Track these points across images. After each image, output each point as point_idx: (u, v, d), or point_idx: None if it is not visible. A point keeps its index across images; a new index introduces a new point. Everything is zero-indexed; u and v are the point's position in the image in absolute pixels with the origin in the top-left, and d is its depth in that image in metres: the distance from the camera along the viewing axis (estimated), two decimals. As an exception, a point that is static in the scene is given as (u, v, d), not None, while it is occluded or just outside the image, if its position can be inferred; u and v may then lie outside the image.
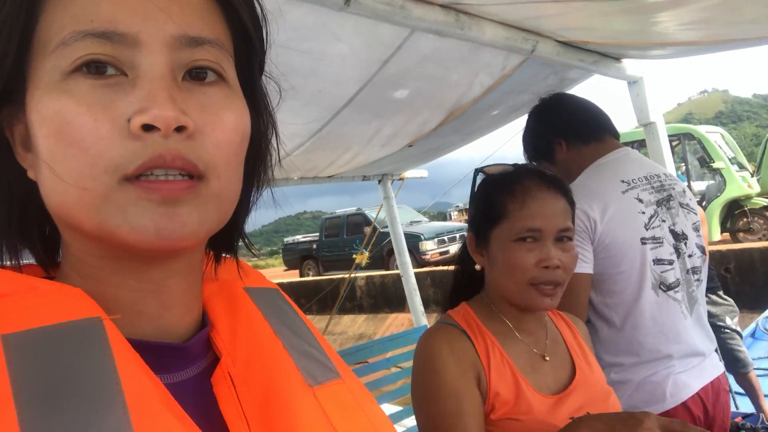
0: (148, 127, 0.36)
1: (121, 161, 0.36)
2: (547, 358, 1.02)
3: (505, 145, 4.63)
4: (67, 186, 0.37)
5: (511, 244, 0.99)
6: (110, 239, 0.38)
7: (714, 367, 1.51)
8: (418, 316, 3.74)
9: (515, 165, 1.11)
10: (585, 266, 1.42)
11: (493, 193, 1.05)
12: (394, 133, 2.55)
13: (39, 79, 0.38)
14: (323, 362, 0.48)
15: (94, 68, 0.37)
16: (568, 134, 1.62)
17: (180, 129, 0.37)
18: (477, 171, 1.12)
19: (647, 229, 1.47)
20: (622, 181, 1.51)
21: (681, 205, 1.57)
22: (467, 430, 0.90)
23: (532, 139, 1.72)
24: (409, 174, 4.06)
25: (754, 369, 2.96)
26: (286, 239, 18.45)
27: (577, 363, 1.03)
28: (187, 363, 0.43)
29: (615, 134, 1.66)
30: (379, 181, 3.91)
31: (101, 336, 0.35)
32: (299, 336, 0.49)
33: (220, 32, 0.42)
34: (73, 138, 0.36)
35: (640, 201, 1.49)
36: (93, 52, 0.37)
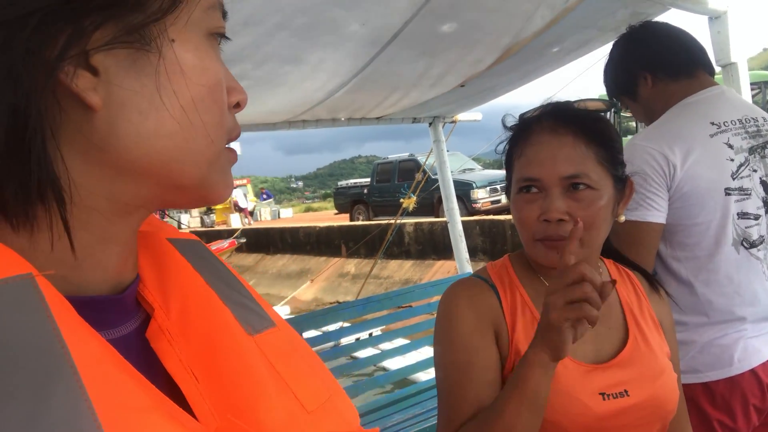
0: (237, 105, 0.44)
1: (230, 127, 0.43)
2: None
3: (567, 86, 4.37)
4: (198, 134, 0.39)
5: (515, 197, 0.93)
6: (200, 191, 0.41)
7: None
8: (462, 263, 3.68)
9: (606, 101, 1.00)
10: (657, 215, 1.32)
11: (508, 142, 0.97)
12: (445, 71, 2.41)
13: (190, 23, 0.39)
14: (258, 312, 0.48)
15: (220, 39, 0.42)
16: (655, 67, 1.46)
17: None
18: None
19: (734, 179, 1.33)
20: (712, 123, 1.35)
21: None
22: (473, 383, 0.87)
23: (614, 71, 1.57)
24: (462, 116, 3.90)
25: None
26: (339, 183, 18.65)
27: (632, 333, 0.93)
28: (125, 317, 0.41)
29: (710, 70, 1.49)
30: (430, 124, 3.78)
31: (36, 294, 0.31)
32: (231, 287, 0.48)
33: None
34: (219, 97, 0.40)
35: (730, 146, 1.34)
36: (224, 25, 0.42)
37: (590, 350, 0.91)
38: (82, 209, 0.37)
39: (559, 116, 0.91)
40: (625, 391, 0.86)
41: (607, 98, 1.68)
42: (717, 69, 2.19)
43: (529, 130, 0.92)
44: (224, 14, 0.42)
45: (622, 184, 0.94)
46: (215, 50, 0.41)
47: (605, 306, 0.94)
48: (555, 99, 1.01)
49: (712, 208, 1.31)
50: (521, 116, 0.97)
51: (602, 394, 0.85)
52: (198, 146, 0.39)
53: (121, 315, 0.41)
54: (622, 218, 0.97)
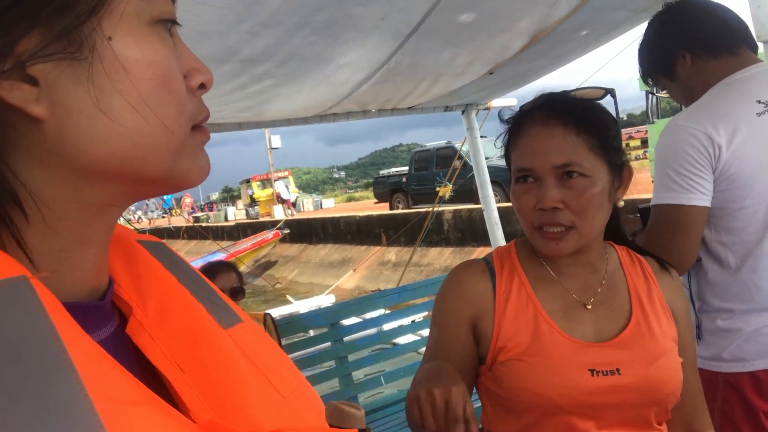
0: (201, 86, 0.42)
1: (194, 111, 0.41)
2: (589, 307, 0.94)
3: (602, 68, 4.24)
4: (154, 129, 0.38)
5: (513, 187, 0.95)
6: (170, 181, 0.41)
7: None
8: (498, 251, 3.66)
9: (606, 89, 1.01)
10: (701, 198, 1.27)
11: (506, 135, 0.99)
12: (471, 60, 2.40)
13: (127, 16, 0.37)
14: (226, 308, 0.49)
15: (169, 24, 0.40)
16: (693, 45, 1.40)
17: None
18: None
19: None
20: (759, 102, 1.29)
21: None
22: (437, 359, 0.94)
23: (650, 51, 1.51)
24: (495, 103, 3.86)
25: None
26: (381, 172, 18.74)
27: (634, 316, 0.94)
28: (103, 322, 0.42)
29: (753, 47, 1.42)
30: (463, 112, 3.76)
31: (32, 296, 0.32)
32: (199, 285, 0.50)
33: None
34: (172, 86, 0.39)
35: None
36: (172, 10, 0.40)
37: (590, 330, 0.93)
38: (51, 217, 0.37)
39: (549, 107, 0.93)
40: (617, 370, 0.88)
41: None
42: (759, 46, 2.10)
43: (522, 122, 0.95)
44: None
45: (619, 170, 0.95)
46: (162, 38, 0.39)
47: (610, 289, 0.96)
48: (591, 81, 1.01)
49: (761, 189, 1.26)
50: (521, 108, 0.99)
51: (591, 370, 0.87)
52: (157, 141, 0.38)
53: (100, 320, 0.42)
54: (621, 203, 0.97)
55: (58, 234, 0.38)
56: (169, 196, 27.72)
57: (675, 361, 0.92)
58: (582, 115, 0.91)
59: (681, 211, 1.28)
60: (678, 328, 0.96)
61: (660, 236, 1.30)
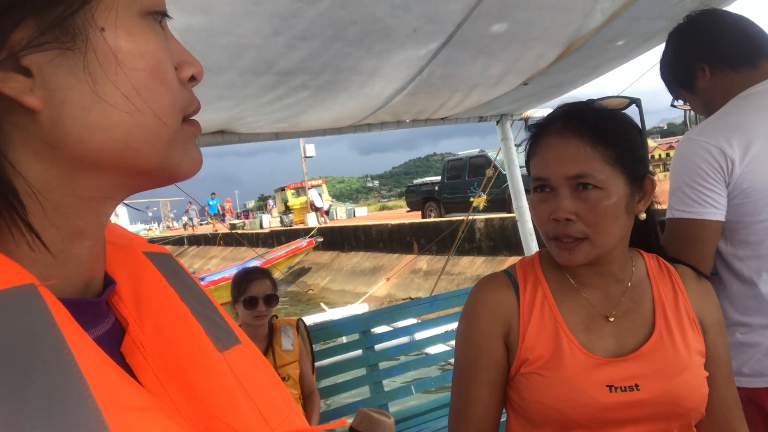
0: (191, 78, 0.42)
1: (185, 103, 0.42)
2: (611, 319, 0.93)
3: (642, 77, 4.16)
4: (147, 119, 0.38)
5: (531, 196, 0.96)
6: (164, 172, 0.41)
7: None
8: (532, 262, 3.61)
9: (631, 99, 1.00)
10: (715, 212, 1.26)
11: (528, 144, 1.00)
12: (505, 70, 2.39)
13: (118, 7, 0.37)
14: (225, 328, 0.49)
15: (160, 17, 0.41)
16: (712, 58, 1.40)
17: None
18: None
19: None
20: None
21: None
22: (477, 380, 0.95)
23: (671, 63, 1.51)
24: (531, 113, 3.84)
25: None
26: (414, 180, 18.81)
27: (657, 329, 0.92)
28: (98, 319, 0.42)
29: None
30: (497, 122, 3.75)
31: (40, 304, 0.33)
32: (201, 303, 0.49)
33: None
34: (164, 77, 0.39)
35: None
36: (162, 2, 0.41)
37: (611, 344, 0.92)
38: (49, 208, 0.37)
39: (567, 118, 0.93)
40: (636, 386, 0.87)
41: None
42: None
43: (541, 132, 0.96)
44: None
45: (640, 182, 0.94)
46: (154, 30, 0.39)
47: (633, 300, 0.95)
48: (629, 91, 1.00)
49: None
50: (544, 118, 1.00)
51: (609, 386, 0.87)
52: (150, 131, 0.39)
53: (96, 317, 0.42)
54: (643, 215, 0.95)
55: (54, 226, 0.38)
56: (215, 203, 28.26)
57: (698, 376, 0.90)
58: (598, 126, 0.91)
59: (693, 226, 1.28)
60: (708, 339, 0.94)
61: (673, 250, 1.29)
